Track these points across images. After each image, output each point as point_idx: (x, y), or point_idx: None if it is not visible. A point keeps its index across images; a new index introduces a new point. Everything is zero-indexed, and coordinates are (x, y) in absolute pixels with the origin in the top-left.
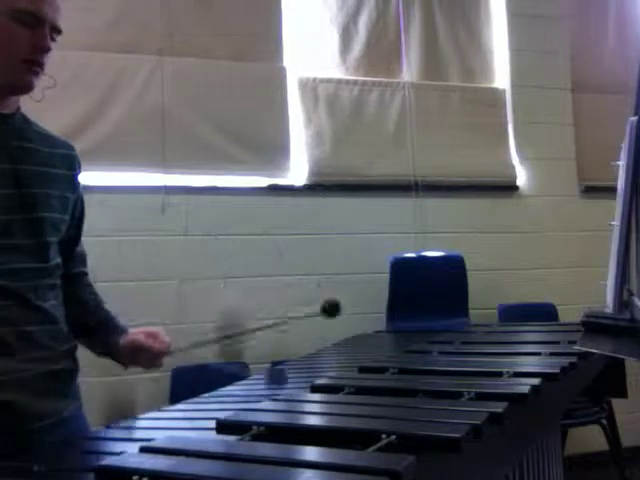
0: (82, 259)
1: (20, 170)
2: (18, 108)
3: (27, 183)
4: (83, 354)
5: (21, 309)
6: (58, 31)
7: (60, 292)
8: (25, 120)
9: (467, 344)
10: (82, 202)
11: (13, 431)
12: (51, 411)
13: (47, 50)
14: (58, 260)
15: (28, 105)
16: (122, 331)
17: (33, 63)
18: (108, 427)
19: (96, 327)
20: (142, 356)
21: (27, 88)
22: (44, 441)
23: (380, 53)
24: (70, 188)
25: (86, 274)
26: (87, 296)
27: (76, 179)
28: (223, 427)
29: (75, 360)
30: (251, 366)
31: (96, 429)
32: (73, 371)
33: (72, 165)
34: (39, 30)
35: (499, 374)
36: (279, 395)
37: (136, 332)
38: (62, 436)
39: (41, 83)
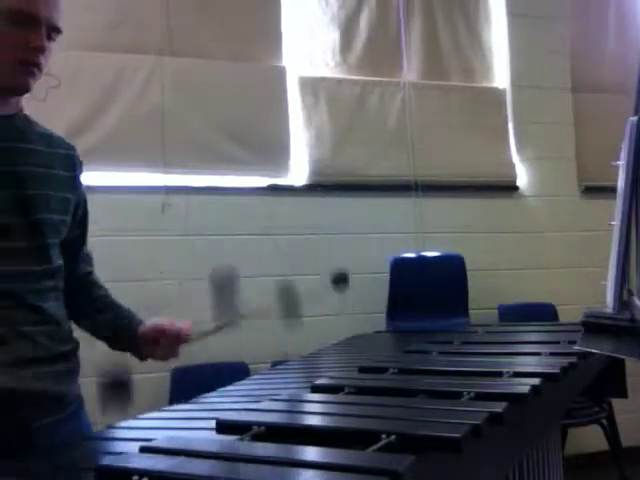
0: (89, 259)
1: (20, 172)
2: (20, 109)
3: (27, 185)
4: (83, 354)
5: (20, 310)
6: (57, 30)
7: (61, 293)
8: (27, 120)
9: (467, 344)
10: (85, 202)
11: (13, 430)
12: (50, 410)
13: (43, 50)
14: (60, 262)
15: (28, 105)
16: (140, 321)
17: (29, 64)
18: (108, 427)
19: (116, 321)
20: (163, 341)
21: (23, 89)
22: (45, 441)
23: (380, 53)
24: (71, 189)
25: (92, 273)
26: (98, 292)
27: (77, 179)
28: (223, 427)
29: (77, 360)
30: (251, 366)
31: (96, 429)
32: (73, 371)
33: (73, 166)
34: (35, 30)
35: (499, 374)
36: (279, 395)
37: (156, 319)
38: (63, 435)
39: (44, 82)
